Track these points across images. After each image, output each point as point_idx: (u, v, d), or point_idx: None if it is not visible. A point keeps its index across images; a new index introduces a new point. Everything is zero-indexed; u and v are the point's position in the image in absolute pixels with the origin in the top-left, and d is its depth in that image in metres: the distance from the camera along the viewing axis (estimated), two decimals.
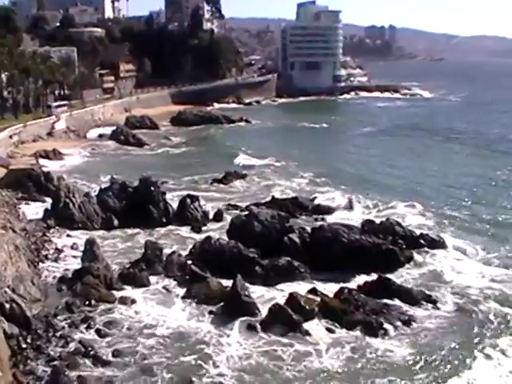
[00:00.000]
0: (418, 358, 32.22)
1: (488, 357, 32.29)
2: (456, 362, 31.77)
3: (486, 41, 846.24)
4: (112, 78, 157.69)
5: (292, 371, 30.88)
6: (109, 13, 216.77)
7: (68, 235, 50.40)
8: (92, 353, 31.71)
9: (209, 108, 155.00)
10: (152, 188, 55.97)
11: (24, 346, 31.65)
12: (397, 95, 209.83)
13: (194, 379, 29.76)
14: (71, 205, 53.73)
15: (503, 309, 37.81)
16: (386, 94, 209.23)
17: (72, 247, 47.43)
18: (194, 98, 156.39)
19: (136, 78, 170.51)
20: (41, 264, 43.54)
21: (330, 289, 40.06)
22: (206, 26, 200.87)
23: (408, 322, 36.09)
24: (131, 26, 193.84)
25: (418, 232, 50.23)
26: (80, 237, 49.29)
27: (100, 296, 38.29)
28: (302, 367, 31.24)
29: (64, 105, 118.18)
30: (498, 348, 33.13)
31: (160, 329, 34.85)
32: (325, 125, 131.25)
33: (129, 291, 39.61)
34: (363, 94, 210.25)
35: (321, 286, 40.57)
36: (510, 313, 37.35)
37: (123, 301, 38.20)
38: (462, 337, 34.50)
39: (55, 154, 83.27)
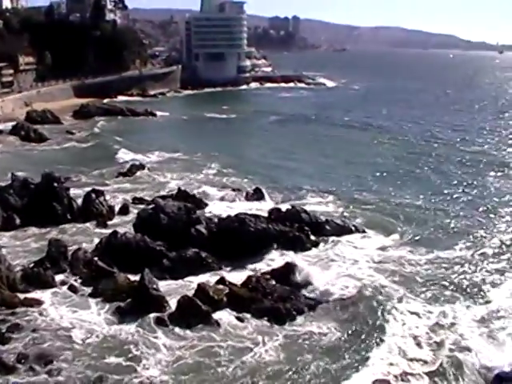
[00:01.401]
0: (324, 338, 33.36)
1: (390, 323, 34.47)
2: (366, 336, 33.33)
3: (387, 31, 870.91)
4: (11, 71, 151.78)
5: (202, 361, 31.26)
6: (6, 3, 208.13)
7: None
8: None
9: (112, 100, 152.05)
10: (55, 184, 54.53)
11: None
12: (301, 85, 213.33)
13: (108, 376, 29.47)
14: None
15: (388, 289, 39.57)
16: (291, 84, 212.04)
17: None
18: (97, 91, 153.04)
19: (36, 71, 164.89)
20: None
21: (238, 278, 40.47)
22: (109, 16, 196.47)
23: (314, 306, 37.03)
24: (30, 16, 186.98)
25: (323, 218, 51.33)
26: None
27: (2, 298, 36.95)
28: (206, 355, 31.75)
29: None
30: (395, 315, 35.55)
31: (67, 330, 33.98)
32: (231, 115, 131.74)
33: (33, 292, 38.43)
34: (268, 84, 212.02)
35: (229, 276, 40.94)
36: (396, 290, 39.33)
37: (28, 303, 37.01)
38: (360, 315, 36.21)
39: None
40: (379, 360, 31.23)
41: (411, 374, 30.07)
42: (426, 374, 30.14)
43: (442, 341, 33.11)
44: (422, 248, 46.99)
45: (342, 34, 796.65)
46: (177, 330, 34.18)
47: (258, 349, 32.42)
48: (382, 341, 33.09)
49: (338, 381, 29.64)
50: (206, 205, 57.05)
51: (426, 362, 31.12)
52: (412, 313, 36.38)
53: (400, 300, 38.01)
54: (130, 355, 31.52)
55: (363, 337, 33.67)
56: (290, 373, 30.33)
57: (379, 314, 36.12)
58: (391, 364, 30.95)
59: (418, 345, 32.88)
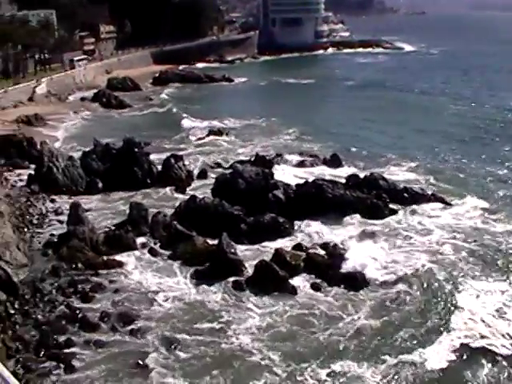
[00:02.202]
0: (404, 305, 32.97)
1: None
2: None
3: None
4: (92, 40, 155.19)
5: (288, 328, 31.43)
6: None
7: (52, 200, 50.10)
8: (79, 316, 31.76)
9: (190, 67, 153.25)
10: (135, 149, 55.57)
11: (12, 311, 31.71)
12: (379, 50, 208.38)
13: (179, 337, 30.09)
14: (55, 169, 53.38)
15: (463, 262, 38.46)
16: (369, 49, 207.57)
17: (57, 211, 47.31)
18: (175, 58, 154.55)
19: (116, 40, 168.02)
20: (26, 229, 43.38)
21: (315, 244, 40.44)
22: None
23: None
24: None
25: (401, 186, 50.41)
26: (64, 201, 49.17)
27: (86, 259, 38.27)
28: (297, 322, 31.79)
29: (85, 58, 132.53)
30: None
31: (149, 292, 34.72)
32: (308, 81, 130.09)
33: (115, 255, 39.42)
34: (346, 49, 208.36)
35: (306, 242, 40.90)
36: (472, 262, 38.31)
37: (110, 264, 38.13)
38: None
39: (37, 119, 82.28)
40: (460, 325, 30.73)
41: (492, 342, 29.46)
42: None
43: None
44: (500, 218, 45.23)
45: None
46: (255, 296, 34.37)
47: (349, 315, 32.28)
48: (460, 308, 32.43)
49: (424, 344, 29.48)
50: (283, 170, 56.88)
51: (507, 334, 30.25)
52: (487, 287, 35.02)
53: (475, 273, 36.87)
54: (214, 319, 31.94)
55: (442, 304, 33.11)
56: (380, 338, 30.25)
57: (453, 285, 35.22)
58: (471, 329, 30.42)
59: (497, 315, 31.99)
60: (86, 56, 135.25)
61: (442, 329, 30.78)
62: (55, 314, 31.98)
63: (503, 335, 29.93)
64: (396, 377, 27.24)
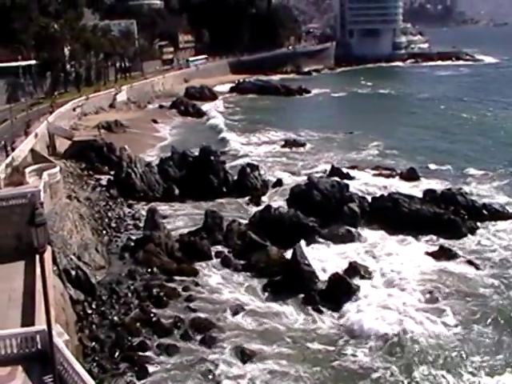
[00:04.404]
0: None
1: None
2: None
3: None
4: (171, 49, 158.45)
5: None
6: None
7: (130, 205, 51.25)
8: (154, 321, 32.17)
9: (267, 77, 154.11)
10: (212, 157, 56.17)
11: (89, 311, 32.46)
12: (459, 62, 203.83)
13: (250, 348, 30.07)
14: (133, 175, 54.62)
15: None
16: (448, 62, 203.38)
17: (134, 216, 48.30)
18: (252, 67, 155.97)
19: (194, 49, 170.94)
20: (104, 232, 44.44)
21: None
22: None
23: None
24: None
25: (481, 202, 49.02)
26: (142, 206, 50.18)
27: (161, 264, 38.83)
28: None
29: (201, 59, 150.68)
30: None
31: (222, 301, 34.74)
32: (384, 92, 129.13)
33: (190, 261, 39.81)
34: (424, 61, 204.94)
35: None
36: None
37: (185, 270, 38.52)
38: None
39: (117, 125, 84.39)
40: None
41: None
42: None
43: None
44: None
45: (503, 6, 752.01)
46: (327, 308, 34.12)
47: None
48: None
49: None
50: (359, 183, 56.35)
51: None
52: None
53: None
54: (282, 328, 31.79)
55: None
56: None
57: None
58: None
59: None
60: (203, 56, 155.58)
61: None
62: (130, 317, 32.46)
63: None
64: None
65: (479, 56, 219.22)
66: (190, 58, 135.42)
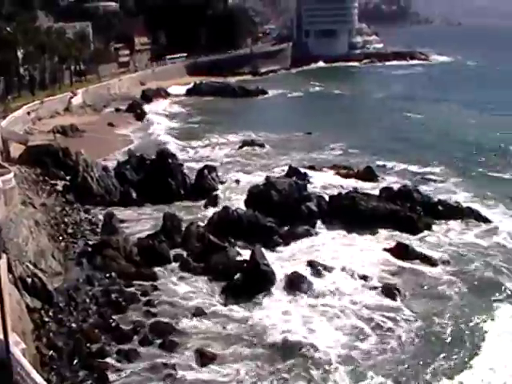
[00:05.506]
0: None
1: None
2: None
3: (506, 2, 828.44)
4: (127, 51, 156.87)
5: None
6: None
7: (87, 209, 50.51)
8: (113, 326, 31.90)
9: (224, 78, 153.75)
10: (169, 160, 55.90)
11: (46, 319, 31.93)
12: (414, 62, 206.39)
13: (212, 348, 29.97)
14: (89, 179, 53.94)
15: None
16: (403, 61, 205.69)
17: (91, 221, 47.70)
18: (209, 69, 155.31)
19: (151, 51, 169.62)
20: (61, 238, 43.78)
21: None
22: None
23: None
24: None
25: (436, 199, 49.90)
26: (99, 210, 49.64)
27: (119, 269, 38.44)
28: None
29: (180, 56, 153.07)
30: None
31: (181, 304, 34.66)
32: (340, 93, 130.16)
33: (148, 265, 39.43)
34: (379, 61, 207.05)
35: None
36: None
37: (143, 275, 38.18)
38: None
39: (73, 130, 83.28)
40: None
41: None
42: None
43: None
44: None
45: (457, 7, 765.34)
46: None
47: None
48: None
49: None
50: (317, 182, 56.72)
51: None
52: None
53: None
54: (243, 330, 31.82)
55: None
56: None
57: None
58: None
59: None
60: (182, 54, 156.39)
61: None
62: (89, 323, 32.09)
63: None
64: None
65: (433, 55, 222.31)
66: (168, 56, 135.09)
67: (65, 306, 33.60)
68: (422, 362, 29.03)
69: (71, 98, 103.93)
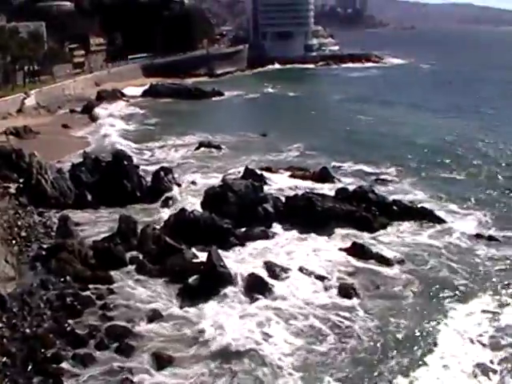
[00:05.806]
0: None
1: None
2: None
3: (457, 8, 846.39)
4: (82, 52, 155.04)
5: None
6: None
7: (41, 212, 49.64)
8: (68, 331, 31.36)
9: (180, 80, 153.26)
10: (125, 162, 55.46)
11: None
12: (369, 64, 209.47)
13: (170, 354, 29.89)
14: (43, 181, 53.08)
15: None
16: (358, 63, 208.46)
17: (45, 224, 46.93)
18: (165, 71, 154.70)
19: (107, 52, 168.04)
20: (14, 242, 42.99)
21: None
22: None
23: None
24: None
25: (391, 199, 50.55)
26: (53, 213, 48.94)
27: (75, 273, 37.90)
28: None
29: (141, 56, 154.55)
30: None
31: (137, 307, 34.21)
32: (297, 94, 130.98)
33: (104, 268, 38.92)
34: (335, 63, 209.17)
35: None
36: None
37: (99, 278, 37.66)
38: None
39: (26, 132, 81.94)
40: None
41: None
42: None
43: None
44: (496, 237, 44.58)
45: (410, 11, 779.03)
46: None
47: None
48: None
49: None
50: (273, 184, 56.96)
51: None
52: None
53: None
54: (200, 332, 31.62)
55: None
56: None
57: None
58: None
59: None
60: (143, 54, 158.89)
61: None
62: (43, 328, 31.50)
63: None
64: None
65: (388, 58, 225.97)
66: (130, 56, 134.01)
67: (18, 311, 32.83)
68: (378, 362, 29.26)
69: (24, 99, 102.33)
